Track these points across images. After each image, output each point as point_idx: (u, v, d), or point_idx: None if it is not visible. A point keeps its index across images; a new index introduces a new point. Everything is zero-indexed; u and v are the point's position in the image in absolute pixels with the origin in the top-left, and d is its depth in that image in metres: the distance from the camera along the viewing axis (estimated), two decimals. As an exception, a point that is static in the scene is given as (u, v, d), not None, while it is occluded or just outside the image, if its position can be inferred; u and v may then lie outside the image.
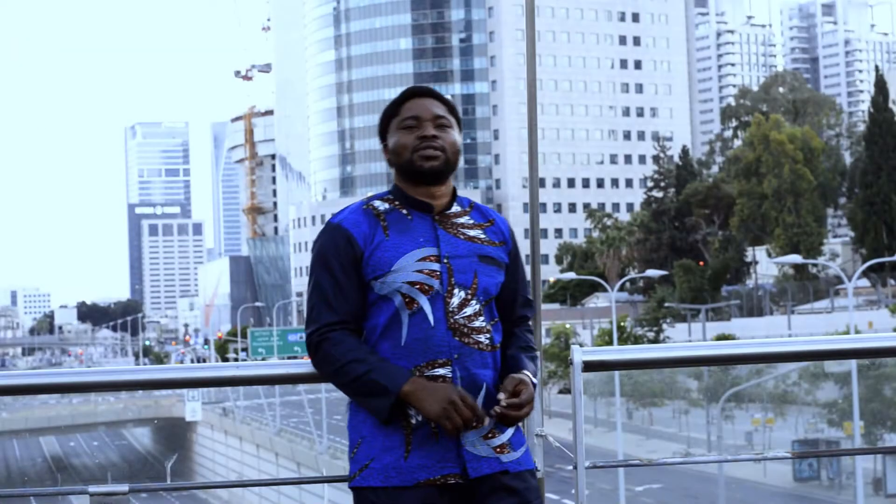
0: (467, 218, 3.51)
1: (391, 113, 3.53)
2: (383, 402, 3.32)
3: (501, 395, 3.34)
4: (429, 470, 3.35)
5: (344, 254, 3.42)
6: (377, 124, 3.57)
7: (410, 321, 3.38)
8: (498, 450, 3.40)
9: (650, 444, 50.99)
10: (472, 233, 3.48)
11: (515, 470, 3.41)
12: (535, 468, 3.51)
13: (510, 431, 3.44)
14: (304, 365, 3.74)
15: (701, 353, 4.33)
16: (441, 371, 3.37)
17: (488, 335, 3.44)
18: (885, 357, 4.31)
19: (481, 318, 3.43)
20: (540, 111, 64.63)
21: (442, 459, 3.36)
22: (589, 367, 3.76)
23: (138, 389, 3.89)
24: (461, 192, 3.60)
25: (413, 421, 3.37)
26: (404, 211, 3.47)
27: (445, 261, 3.41)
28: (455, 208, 3.51)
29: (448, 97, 3.55)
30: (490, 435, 3.40)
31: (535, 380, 3.44)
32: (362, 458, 3.40)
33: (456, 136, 3.50)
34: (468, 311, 3.41)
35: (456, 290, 3.40)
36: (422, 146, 3.44)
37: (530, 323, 3.60)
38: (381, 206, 3.48)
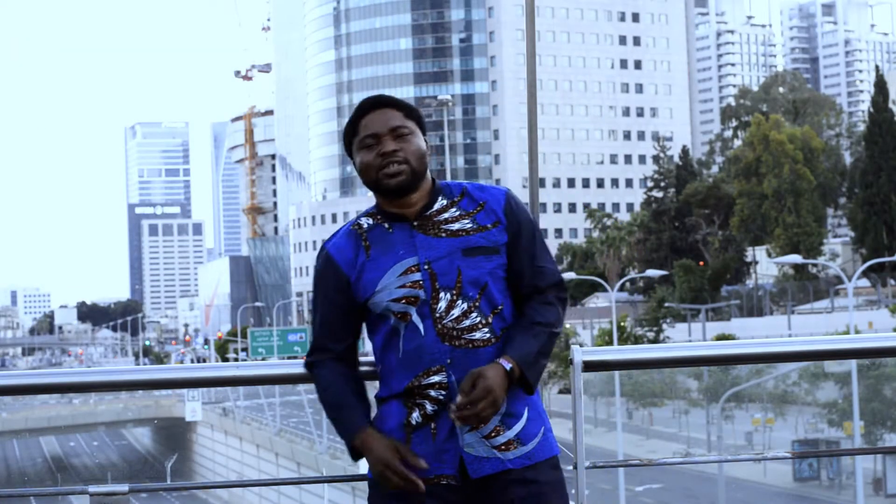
0: (454, 210, 3.47)
1: (351, 132, 3.52)
2: (346, 444, 3.45)
3: (458, 398, 3.30)
4: (424, 470, 3.36)
5: (331, 282, 3.48)
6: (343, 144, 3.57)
7: (405, 334, 3.41)
8: (502, 447, 3.39)
9: (650, 444, 51.00)
10: (455, 226, 3.45)
11: (522, 465, 3.39)
12: (557, 454, 3.47)
13: (518, 426, 3.42)
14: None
15: (701, 353, 4.33)
16: (436, 378, 3.39)
17: (486, 329, 3.41)
18: (885, 357, 4.31)
19: (473, 315, 3.40)
20: (540, 111, 64.57)
21: (435, 459, 3.38)
22: (589, 367, 3.75)
23: (138, 389, 3.89)
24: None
25: (413, 422, 3.40)
26: (386, 225, 3.49)
27: (426, 267, 3.41)
28: (439, 204, 3.48)
29: (405, 99, 3.54)
30: (493, 433, 3.39)
31: (528, 358, 3.35)
32: None
33: (418, 141, 3.47)
34: (456, 312, 3.39)
35: (441, 294, 3.39)
36: (384, 163, 3.43)
37: (548, 293, 3.47)
38: (366, 223, 3.50)
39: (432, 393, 3.39)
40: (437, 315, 3.38)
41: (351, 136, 3.52)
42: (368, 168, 3.45)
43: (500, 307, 3.44)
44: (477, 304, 3.41)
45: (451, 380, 3.38)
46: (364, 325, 3.54)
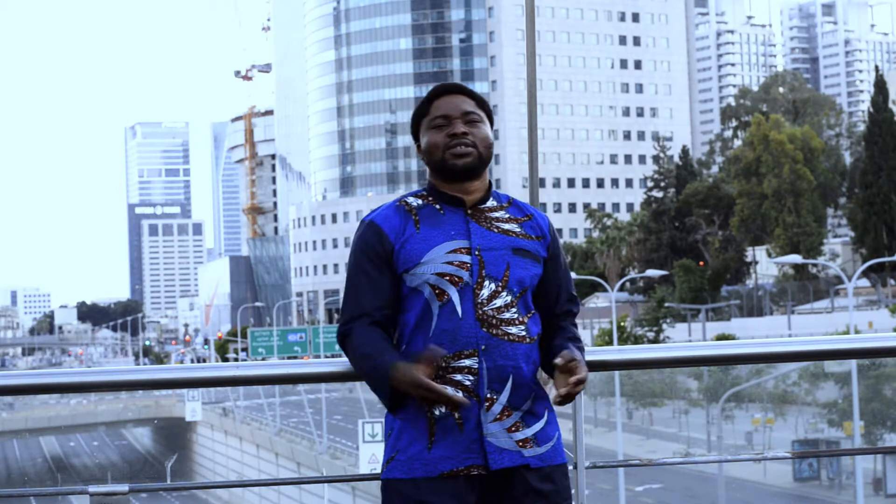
0: (503, 213, 3.54)
1: (421, 112, 3.57)
2: (383, 394, 3.38)
3: (559, 360, 3.36)
4: (452, 461, 3.36)
5: (373, 249, 3.47)
6: (409, 124, 3.62)
7: (440, 312, 3.40)
8: (521, 443, 3.41)
9: (650, 444, 50.99)
10: (506, 226, 3.51)
11: (537, 465, 3.41)
12: (565, 462, 3.50)
13: (537, 425, 3.45)
14: (305, 365, 3.74)
15: (701, 353, 4.33)
16: (467, 362, 3.39)
17: (522, 327, 3.44)
18: (885, 357, 4.31)
19: (513, 310, 3.44)
20: (540, 111, 64.61)
21: (466, 450, 3.37)
22: (589, 366, 3.76)
23: (138, 389, 3.89)
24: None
25: (437, 412, 3.39)
26: (437, 206, 3.51)
27: (477, 253, 3.43)
28: (490, 203, 3.54)
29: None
30: (514, 428, 3.41)
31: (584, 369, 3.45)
32: (390, 449, 3.45)
33: (487, 130, 3.53)
34: (498, 302, 3.42)
35: (486, 282, 3.42)
36: (452, 144, 3.48)
37: (573, 319, 3.61)
38: (415, 202, 3.53)
39: (458, 377, 3.38)
40: (480, 301, 3.40)
41: (420, 118, 3.58)
42: (436, 148, 3.50)
43: (532, 312, 3.50)
44: (517, 301, 3.45)
45: (482, 367, 3.38)
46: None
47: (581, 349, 3.52)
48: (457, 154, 3.47)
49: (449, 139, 3.48)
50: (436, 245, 3.43)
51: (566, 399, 3.36)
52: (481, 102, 3.56)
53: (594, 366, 3.77)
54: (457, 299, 3.40)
